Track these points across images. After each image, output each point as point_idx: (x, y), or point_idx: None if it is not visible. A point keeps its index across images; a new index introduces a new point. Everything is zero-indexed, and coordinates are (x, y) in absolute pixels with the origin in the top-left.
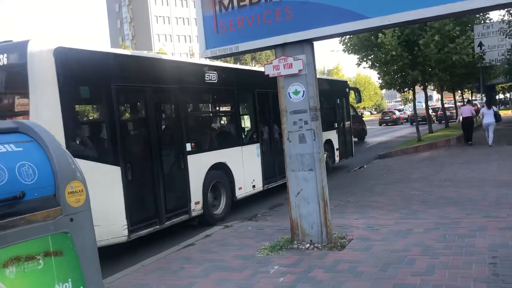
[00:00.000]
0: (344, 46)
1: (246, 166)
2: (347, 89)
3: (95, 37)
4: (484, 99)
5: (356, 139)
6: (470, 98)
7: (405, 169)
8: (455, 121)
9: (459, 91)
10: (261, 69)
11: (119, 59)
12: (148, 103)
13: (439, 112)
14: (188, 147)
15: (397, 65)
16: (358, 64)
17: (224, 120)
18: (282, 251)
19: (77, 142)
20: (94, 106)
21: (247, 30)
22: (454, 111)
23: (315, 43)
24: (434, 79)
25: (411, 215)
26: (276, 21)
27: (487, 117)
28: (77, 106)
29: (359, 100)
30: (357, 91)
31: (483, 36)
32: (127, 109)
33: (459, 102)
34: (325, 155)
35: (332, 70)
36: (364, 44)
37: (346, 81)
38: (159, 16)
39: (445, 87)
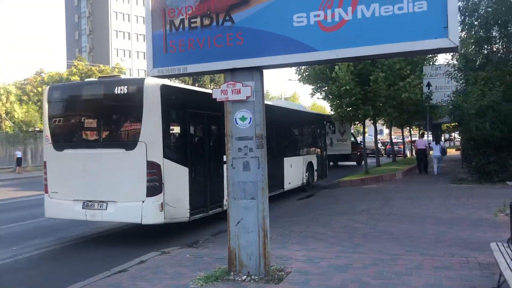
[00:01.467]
0: (300, 76)
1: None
2: (325, 122)
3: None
4: (431, 136)
5: (355, 163)
6: (424, 132)
7: (351, 201)
8: (402, 156)
9: (408, 128)
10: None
11: (190, 92)
12: (203, 124)
13: (387, 146)
14: (224, 158)
15: (350, 99)
16: (312, 95)
17: None
18: (218, 282)
19: (168, 148)
20: (177, 125)
21: (197, 52)
22: (402, 146)
23: (274, 71)
24: (384, 115)
25: (352, 248)
26: (227, 46)
27: (435, 151)
28: (168, 125)
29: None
30: (332, 124)
31: (431, 77)
32: (193, 128)
33: (407, 137)
34: (307, 174)
35: (289, 98)
36: (318, 76)
37: (325, 115)
38: (119, 31)
39: (394, 123)
